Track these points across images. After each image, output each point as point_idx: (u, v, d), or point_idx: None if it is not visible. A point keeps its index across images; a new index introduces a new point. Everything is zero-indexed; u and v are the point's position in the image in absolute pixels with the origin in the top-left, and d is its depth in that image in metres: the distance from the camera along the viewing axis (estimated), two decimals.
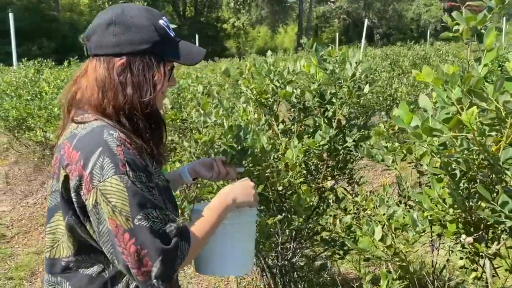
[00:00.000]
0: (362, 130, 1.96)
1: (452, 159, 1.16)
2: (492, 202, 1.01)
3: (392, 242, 1.43)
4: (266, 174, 1.87)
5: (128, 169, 1.02)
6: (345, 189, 2.36)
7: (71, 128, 1.12)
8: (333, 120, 1.95)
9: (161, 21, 1.16)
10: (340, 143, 1.98)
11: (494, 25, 1.05)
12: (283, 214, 1.91)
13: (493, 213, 1.03)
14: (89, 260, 1.12)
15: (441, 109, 1.15)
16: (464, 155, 1.11)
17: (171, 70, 1.19)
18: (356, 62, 1.70)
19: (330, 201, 2.13)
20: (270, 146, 1.84)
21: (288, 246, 2.04)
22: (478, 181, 1.20)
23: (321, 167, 2.08)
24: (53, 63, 9.13)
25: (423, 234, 1.46)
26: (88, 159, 1.01)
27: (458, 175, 1.29)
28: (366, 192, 1.85)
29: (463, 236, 1.31)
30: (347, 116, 2.03)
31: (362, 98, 1.88)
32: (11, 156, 6.82)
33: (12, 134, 6.34)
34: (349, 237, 1.66)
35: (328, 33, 48.82)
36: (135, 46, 1.11)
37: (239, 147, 1.70)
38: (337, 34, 29.71)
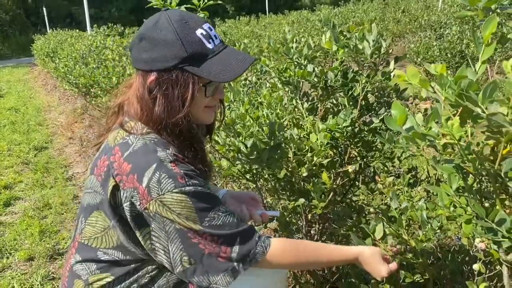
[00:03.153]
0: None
1: (454, 163, 1.03)
2: (487, 220, 0.89)
3: (399, 240, 1.34)
4: (291, 161, 1.81)
5: (186, 180, 1.05)
6: (383, 164, 2.23)
7: (121, 133, 1.15)
8: (358, 99, 1.82)
9: (198, 31, 1.09)
10: (367, 123, 1.86)
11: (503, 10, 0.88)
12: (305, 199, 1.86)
13: (488, 232, 0.91)
14: (123, 259, 1.17)
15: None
16: (465, 159, 0.98)
17: (206, 85, 1.12)
18: (373, 40, 1.55)
19: (360, 181, 2.03)
20: (298, 136, 1.77)
21: (313, 229, 2.00)
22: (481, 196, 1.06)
23: (349, 147, 1.97)
24: (122, 28, 9.46)
25: (438, 231, 1.34)
26: (142, 174, 1.04)
27: (470, 175, 1.15)
28: (391, 175, 1.73)
29: (477, 240, 1.19)
30: (376, 93, 1.88)
31: (390, 76, 1.72)
32: (86, 119, 7.32)
33: (84, 99, 6.77)
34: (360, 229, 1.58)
35: None
36: (162, 63, 1.08)
37: (272, 143, 1.65)
38: None
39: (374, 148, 2.00)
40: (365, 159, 2.01)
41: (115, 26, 9.04)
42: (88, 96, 6.47)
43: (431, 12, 10.40)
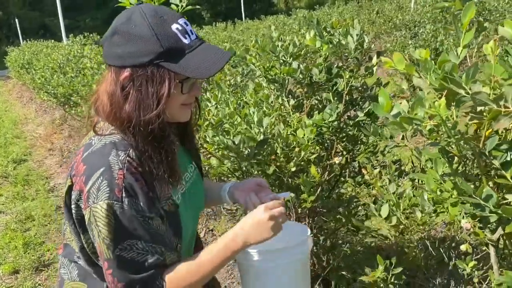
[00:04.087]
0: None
1: (440, 145, 1.08)
2: (475, 196, 0.94)
3: (399, 221, 1.38)
4: (279, 157, 1.84)
5: (124, 195, 1.00)
6: (368, 158, 2.29)
7: (90, 134, 1.12)
8: (343, 94, 1.87)
9: (174, 26, 1.04)
10: (352, 118, 1.91)
11: None
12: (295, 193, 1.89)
13: (476, 208, 0.95)
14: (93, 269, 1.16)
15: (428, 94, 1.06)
16: (451, 141, 1.03)
17: (183, 82, 1.06)
18: (357, 34, 1.60)
19: (347, 175, 2.08)
20: (285, 131, 1.80)
21: (304, 223, 2.03)
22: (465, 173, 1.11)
23: (335, 142, 2.02)
24: (99, 37, 9.39)
25: (433, 215, 1.39)
26: (89, 177, 1.01)
27: (455, 159, 1.20)
28: (376, 168, 1.78)
29: (463, 221, 1.24)
30: (360, 88, 1.93)
31: (372, 70, 1.77)
32: (65, 130, 7.23)
33: (63, 110, 6.68)
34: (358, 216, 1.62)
35: None
36: (136, 59, 1.02)
37: (260, 138, 1.67)
38: None
39: (359, 142, 2.05)
40: (350, 153, 2.06)
41: (91, 35, 8.97)
42: (66, 106, 6.40)
43: (404, 12, 10.69)
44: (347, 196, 1.97)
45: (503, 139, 1.04)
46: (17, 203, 4.96)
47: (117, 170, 1.00)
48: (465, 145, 0.93)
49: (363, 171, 1.97)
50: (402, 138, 1.71)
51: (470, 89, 0.83)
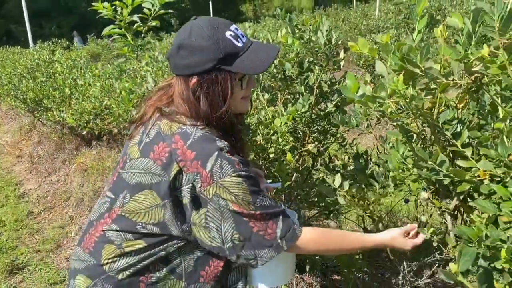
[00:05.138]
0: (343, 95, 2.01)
1: (400, 122, 1.22)
2: (431, 162, 1.08)
3: (353, 191, 1.52)
4: (258, 143, 1.96)
5: (241, 165, 1.22)
6: (336, 151, 2.43)
7: (175, 124, 1.26)
8: (314, 88, 2.00)
9: (227, 33, 1.23)
10: (322, 110, 2.04)
11: None
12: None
13: (431, 172, 1.09)
14: (159, 233, 1.28)
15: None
16: (409, 119, 1.17)
17: (242, 80, 1.28)
18: (326, 30, 1.74)
19: (319, 164, 2.21)
20: (263, 118, 1.92)
21: None
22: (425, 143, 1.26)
23: (307, 133, 2.15)
24: (68, 43, 9.30)
25: (392, 188, 1.53)
26: (206, 160, 1.19)
27: (414, 137, 1.35)
28: (346, 155, 1.92)
29: (422, 192, 1.38)
30: (328, 82, 2.07)
31: (340, 64, 1.92)
32: (34, 136, 7.11)
33: (32, 115, 6.59)
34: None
35: None
36: (201, 67, 1.23)
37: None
38: None
39: (329, 134, 2.19)
40: (322, 143, 2.20)
41: (59, 41, 8.90)
42: (36, 112, 6.32)
43: (369, 19, 11.11)
44: (320, 179, 2.10)
45: (454, 115, 1.19)
46: None
47: (226, 152, 1.22)
48: (421, 117, 1.07)
49: (334, 158, 2.11)
50: (367, 127, 1.87)
51: (423, 66, 0.98)
